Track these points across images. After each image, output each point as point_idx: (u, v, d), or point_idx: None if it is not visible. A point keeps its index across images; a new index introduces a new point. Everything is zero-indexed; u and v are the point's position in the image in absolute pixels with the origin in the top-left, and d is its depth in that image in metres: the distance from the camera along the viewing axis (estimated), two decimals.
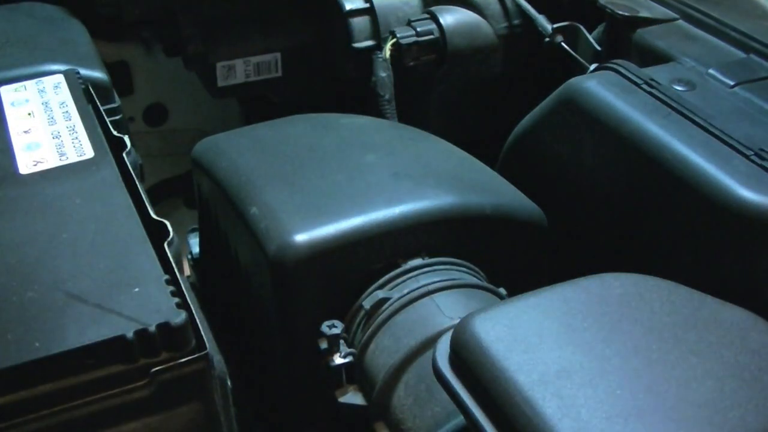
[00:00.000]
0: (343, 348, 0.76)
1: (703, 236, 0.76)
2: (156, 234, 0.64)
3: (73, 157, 0.73)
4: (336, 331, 0.75)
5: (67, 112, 0.80)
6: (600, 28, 1.08)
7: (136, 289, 0.58)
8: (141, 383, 0.55)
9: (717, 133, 0.78)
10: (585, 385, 0.57)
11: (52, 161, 0.73)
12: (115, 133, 0.79)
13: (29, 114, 0.80)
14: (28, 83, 0.86)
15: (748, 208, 0.71)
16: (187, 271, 1.03)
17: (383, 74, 1.14)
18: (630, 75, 0.87)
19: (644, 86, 0.86)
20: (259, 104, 1.43)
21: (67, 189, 0.69)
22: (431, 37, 1.16)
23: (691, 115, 0.81)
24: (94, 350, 0.54)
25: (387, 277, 0.78)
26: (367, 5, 1.21)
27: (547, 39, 1.10)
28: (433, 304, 0.75)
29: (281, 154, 0.89)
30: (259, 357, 0.87)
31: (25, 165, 0.72)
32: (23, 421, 0.53)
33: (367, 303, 0.77)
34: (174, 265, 0.62)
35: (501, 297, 0.79)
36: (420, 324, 0.74)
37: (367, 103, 1.15)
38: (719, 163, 0.75)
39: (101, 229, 0.64)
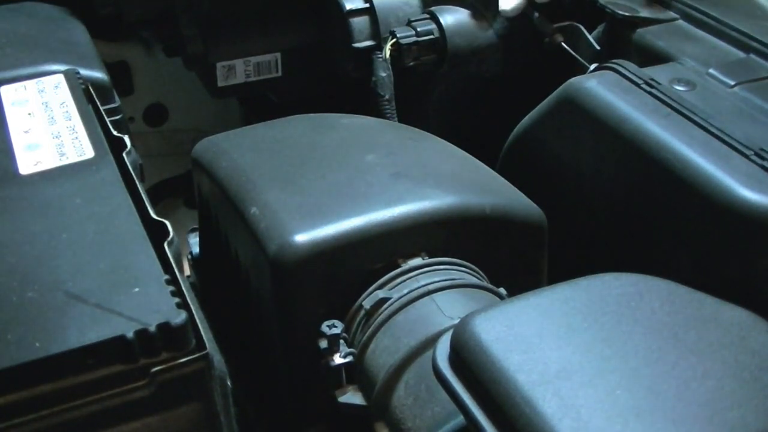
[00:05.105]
0: (343, 348, 0.76)
1: (703, 236, 0.76)
2: (156, 234, 0.64)
3: (73, 157, 0.73)
4: (336, 331, 0.75)
5: (67, 112, 0.80)
6: (600, 28, 1.08)
7: (136, 289, 0.58)
8: (141, 383, 0.55)
9: (717, 133, 0.78)
10: (585, 385, 0.57)
11: (52, 161, 0.73)
12: (115, 133, 0.78)
13: (29, 114, 0.80)
14: (28, 83, 0.86)
15: (748, 207, 0.71)
16: (187, 271, 1.02)
17: (383, 74, 1.14)
18: (630, 75, 0.87)
19: (644, 86, 0.86)
20: (259, 104, 1.43)
21: (67, 189, 0.69)
22: (431, 37, 1.16)
23: (691, 115, 0.81)
24: (94, 350, 0.54)
25: (387, 277, 0.78)
26: (367, 5, 1.21)
27: (547, 39, 1.10)
28: (433, 304, 0.75)
29: (281, 154, 0.89)
30: (259, 357, 0.87)
31: (25, 165, 0.72)
32: (23, 421, 0.53)
33: (367, 303, 0.77)
34: (174, 265, 0.62)
35: (501, 297, 0.79)
36: (420, 324, 0.74)
37: (367, 103, 1.15)
38: (719, 163, 0.75)
39: (101, 229, 0.64)
